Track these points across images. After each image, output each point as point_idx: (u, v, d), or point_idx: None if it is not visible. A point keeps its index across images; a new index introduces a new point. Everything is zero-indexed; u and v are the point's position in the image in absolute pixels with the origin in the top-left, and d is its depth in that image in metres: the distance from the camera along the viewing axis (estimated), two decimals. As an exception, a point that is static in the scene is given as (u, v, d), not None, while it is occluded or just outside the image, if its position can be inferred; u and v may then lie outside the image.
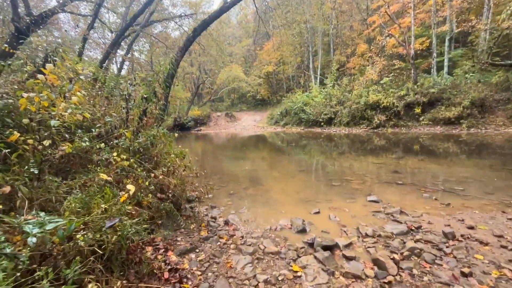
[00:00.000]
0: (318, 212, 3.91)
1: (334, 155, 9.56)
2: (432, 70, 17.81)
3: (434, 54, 17.47)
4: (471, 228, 3.13)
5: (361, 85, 18.90)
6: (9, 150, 2.01)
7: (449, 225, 3.24)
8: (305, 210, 4.05)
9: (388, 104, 16.30)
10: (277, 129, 21.70)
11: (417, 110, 15.68)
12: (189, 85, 39.20)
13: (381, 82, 18.01)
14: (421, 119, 15.51)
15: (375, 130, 16.25)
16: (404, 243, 2.84)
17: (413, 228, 3.18)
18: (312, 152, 10.80)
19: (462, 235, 2.92)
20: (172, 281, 2.12)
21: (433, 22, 17.63)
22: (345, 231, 3.25)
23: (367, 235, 3.09)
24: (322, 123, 18.84)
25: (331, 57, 29.31)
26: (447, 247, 2.70)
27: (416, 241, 2.87)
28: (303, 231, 3.30)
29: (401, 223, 3.40)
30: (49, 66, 2.42)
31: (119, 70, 17.02)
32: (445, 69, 17.28)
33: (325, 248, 2.78)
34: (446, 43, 17.49)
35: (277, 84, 38.38)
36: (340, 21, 31.81)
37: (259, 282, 2.24)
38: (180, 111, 27.26)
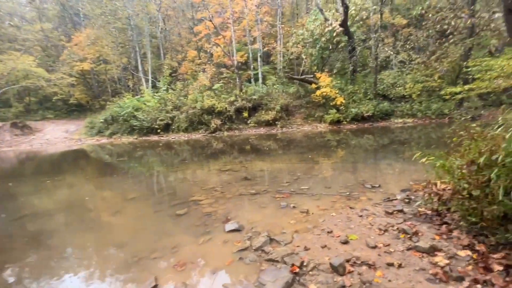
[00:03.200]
0: (156, 287, 2.13)
1: (175, 167, 7.89)
2: (251, 80, 20.32)
3: (252, 67, 19.99)
4: (346, 243, 2.58)
5: (196, 90, 18.42)
6: None
7: (326, 246, 2.54)
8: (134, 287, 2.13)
9: (221, 109, 16.72)
10: (101, 141, 16.89)
11: (245, 114, 17.16)
12: None
13: (213, 88, 18.34)
14: (249, 122, 17.09)
15: (213, 134, 16.19)
16: (300, 311, 1.72)
17: (296, 270, 2.17)
18: (149, 166, 8.56)
19: (347, 261, 2.23)
20: None
21: (249, 39, 20.15)
22: (208, 322, 1.72)
23: (244, 315, 1.73)
24: (158, 130, 16.53)
25: (162, 61, 27.26)
26: (350, 295, 1.83)
27: (312, 298, 1.83)
28: None
29: (278, 262, 2.34)
30: None
31: None
32: (260, 80, 20.26)
33: None
34: (259, 59, 20.55)
35: (100, 86, 31.21)
36: (168, 25, 30.41)
37: None
38: None
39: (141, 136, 16.95)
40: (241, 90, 18.23)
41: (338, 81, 17.44)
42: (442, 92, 14.38)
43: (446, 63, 14.59)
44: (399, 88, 16.55)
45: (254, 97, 17.50)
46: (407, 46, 16.56)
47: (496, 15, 12.05)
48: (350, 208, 3.49)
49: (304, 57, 20.49)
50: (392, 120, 15.95)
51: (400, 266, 2.10)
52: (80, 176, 7.83)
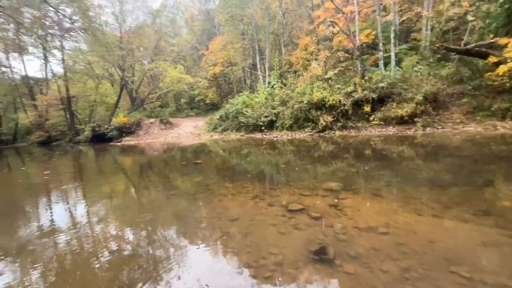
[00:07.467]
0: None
1: (205, 193, 5.67)
2: (379, 63, 15.21)
3: (380, 45, 14.85)
4: None
5: (305, 82, 15.70)
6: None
7: None
8: None
9: (334, 102, 13.19)
10: (214, 136, 17.58)
11: (367, 108, 12.76)
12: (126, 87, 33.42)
13: (326, 76, 14.94)
14: (371, 118, 12.61)
15: (322, 134, 13.01)
16: None
17: None
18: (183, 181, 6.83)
19: None
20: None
21: (378, 8, 15.10)
22: None
23: None
24: (262, 127, 15.17)
25: (281, 56, 26.32)
26: None
27: None
28: None
29: None
30: None
31: None
32: (393, 62, 14.80)
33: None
34: (392, 35, 15.08)
35: (228, 87, 34.61)
36: (288, 19, 29.05)
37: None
38: (102, 118, 21.74)
39: (248, 133, 16.24)
40: (363, 77, 13.85)
41: (552, 46, 9.67)
42: None
43: None
44: None
45: (381, 84, 12.75)
46: None
47: None
48: None
49: (470, 19, 13.10)
50: None
51: None
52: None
